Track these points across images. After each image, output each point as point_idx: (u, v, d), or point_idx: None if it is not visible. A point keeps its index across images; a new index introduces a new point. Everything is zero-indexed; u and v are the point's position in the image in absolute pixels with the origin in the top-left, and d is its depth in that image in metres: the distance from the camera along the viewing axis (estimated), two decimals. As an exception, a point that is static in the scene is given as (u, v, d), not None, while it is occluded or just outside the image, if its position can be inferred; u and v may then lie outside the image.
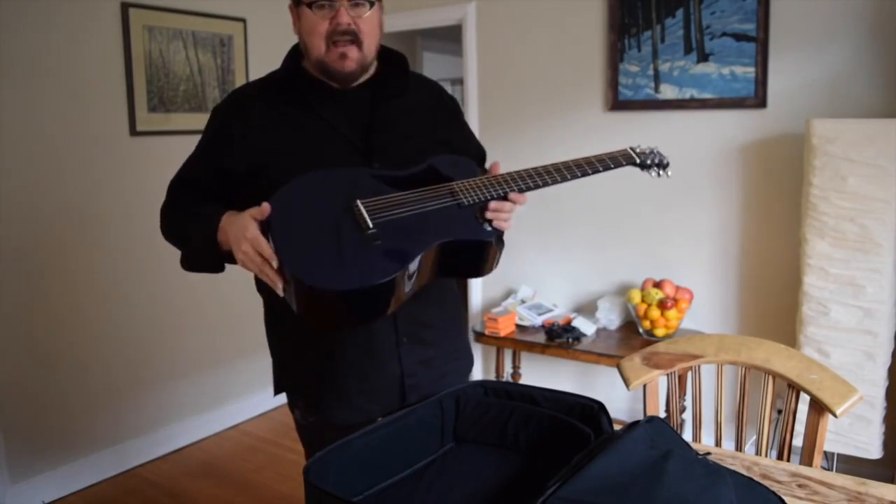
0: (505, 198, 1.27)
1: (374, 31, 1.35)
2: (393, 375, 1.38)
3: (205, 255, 1.32)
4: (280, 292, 1.17)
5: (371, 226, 1.18)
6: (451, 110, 1.54)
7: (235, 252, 1.20)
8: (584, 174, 1.33)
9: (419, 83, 1.50)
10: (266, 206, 1.17)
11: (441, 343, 1.45)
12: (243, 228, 1.18)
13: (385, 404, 1.38)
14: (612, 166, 1.35)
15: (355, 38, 1.31)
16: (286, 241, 1.16)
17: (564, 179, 1.31)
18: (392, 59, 1.44)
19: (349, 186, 1.24)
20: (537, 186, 1.29)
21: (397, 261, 1.15)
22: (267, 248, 1.15)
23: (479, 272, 1.33)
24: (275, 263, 1.15)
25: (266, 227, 1.18)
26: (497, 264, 1.34)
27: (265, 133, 1.34)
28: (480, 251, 1.29)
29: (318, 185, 1.24)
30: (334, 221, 1.19)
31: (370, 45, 1.34)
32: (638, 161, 1.39)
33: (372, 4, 1.32)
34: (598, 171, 1.34)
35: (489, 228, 1.28)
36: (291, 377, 1.46)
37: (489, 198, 1.26)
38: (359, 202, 1.21)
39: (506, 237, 1.35)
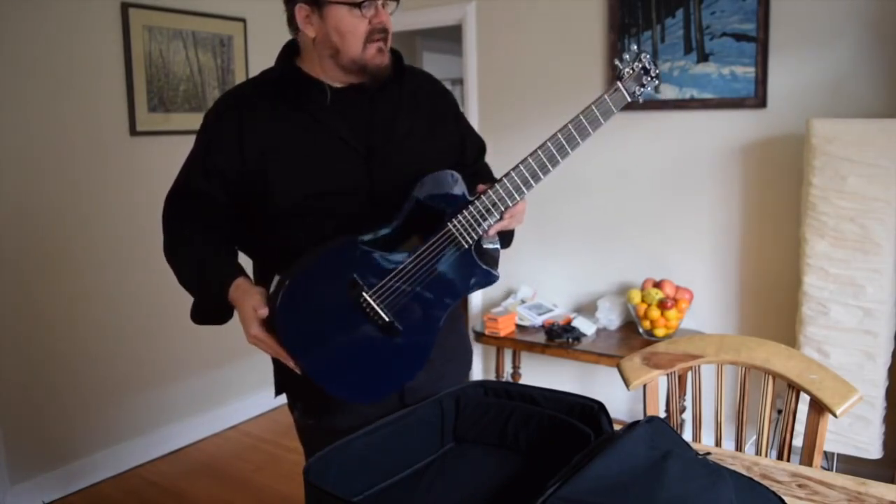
0: (501, 218, 1.28)
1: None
2: None
3: (212, 315, 1.38)
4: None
5: (387, 319, 1.23)
6: (446, 101, 1.52)
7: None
8: (577, 145, 1.24)
9: (412, 74, 1.48)
10: (263, 311, 1.20)
11: (439, 345, 1.44)
12: (246, 325, 1.24)
13: (382, 407, 1.37)
14: (605, 121, 1.25)
15: (387, 35, 1.31)
16: (301, 349, 1.21)
17: (557, 164, 1.24)
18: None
19: (345, 268, 1.22)
20: (530, 187, 1.25)
21: (419, 355, 1.28)
22: (274, 345, 1.21)
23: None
24: (291, 364, 1.21)
25: (274, 323, 1.20)
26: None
27: (261, 135, 1.32)
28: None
29: (314, 276, 1.21)
30: (347, 321, 1.22)
31: (390, 42, 1.35)
32: (630, 100, 1.29)
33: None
34: (590, 135, 1.25)
35: (495, 246, 1.34)
36: (290, 382, 1.46)
37: (486, 229, 1.27)
38: (366, 295, 1.22)
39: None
